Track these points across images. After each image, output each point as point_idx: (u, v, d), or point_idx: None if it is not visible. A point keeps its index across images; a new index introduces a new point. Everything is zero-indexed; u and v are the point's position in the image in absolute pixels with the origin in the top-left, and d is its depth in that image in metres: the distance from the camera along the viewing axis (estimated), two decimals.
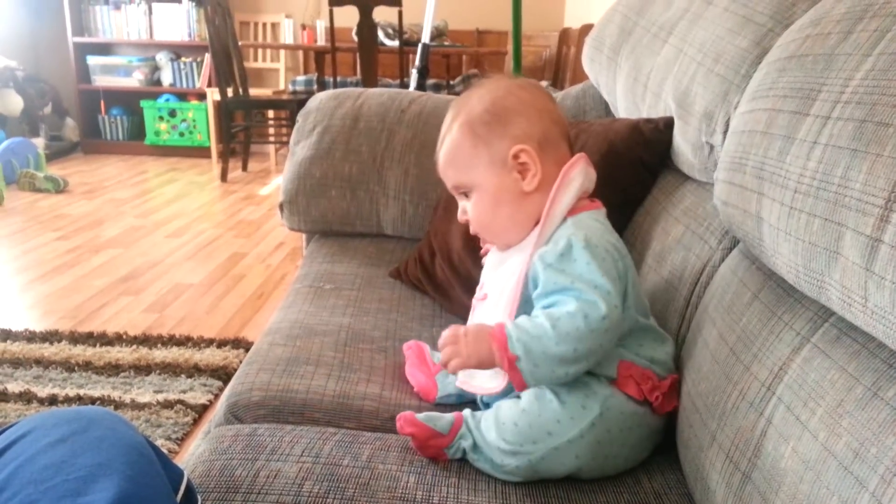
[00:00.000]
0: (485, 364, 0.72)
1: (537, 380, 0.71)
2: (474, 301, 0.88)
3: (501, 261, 0.83)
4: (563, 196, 0.77)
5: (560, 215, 0.77)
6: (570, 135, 0.84)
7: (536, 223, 0.78)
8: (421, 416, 0.76)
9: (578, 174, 0.78)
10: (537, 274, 0.74)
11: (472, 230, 0.84)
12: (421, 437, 0.75)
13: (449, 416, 0.76)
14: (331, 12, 3.56)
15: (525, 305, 0.76)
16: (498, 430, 0.72)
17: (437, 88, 4.09)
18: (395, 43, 3.84)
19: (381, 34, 3.88)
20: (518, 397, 0.74)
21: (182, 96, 4.89)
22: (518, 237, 0.81)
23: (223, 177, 4.20)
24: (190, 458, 0.79)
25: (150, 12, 4.79)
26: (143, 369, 1.80)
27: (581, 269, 0.71)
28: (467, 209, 0.83)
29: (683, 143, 1.00)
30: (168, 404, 1.63)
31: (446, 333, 0.74)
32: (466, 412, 0.77)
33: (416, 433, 0.75)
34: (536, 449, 0.71)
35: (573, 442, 0.71)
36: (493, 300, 0.82)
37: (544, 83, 4.34)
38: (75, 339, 1.97)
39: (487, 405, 0.80)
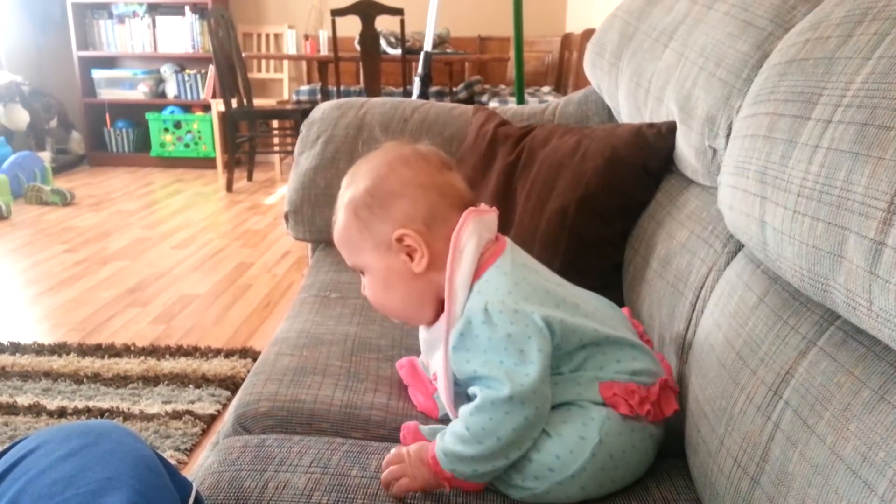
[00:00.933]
0: (431, 486, 0.71)
1: (487, 477, 0.70)
2: (433, 381, 0.85)
3: (432, 342, 0.79)
4: (458, 270, 0.73)
5: (463, 288, 0.73)
6: (467, 201, 0.79)
7: (442, 299, 0.74)
8: (425, 429, 0.75)
9: (469, 237, 0.74)
10: (451, 362, 0.72)
11: (377, 309, 0.83)
12: None
13: None
14: (333, 22, 3.58)
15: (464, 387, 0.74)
16: None
17: (440, 96, 4.11)
18: (398, 51, 3.86)
19: (383, 43, 3.89)
20: None
21: (187, 108, 4.92)
22: (421, 316, 0.79)
23: (229, 187, 4.22)
24: (199, 469, 0.79)
25: (154, 25, 4.83)
26: (151, 380, 1.81)
27: (484, 345, 0.69)
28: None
29: (686, 148, 1.00)
30: (176, 415, 1.63)
31: (391, 455, 0.72)
32: None
33: None
34: (539, 485, 0.70)
35: (576, 476, 0.69)
36: (440, 384, 0.79)
37: (546, 88, 4.35)
38: (84, 351, 1.97)
39: None
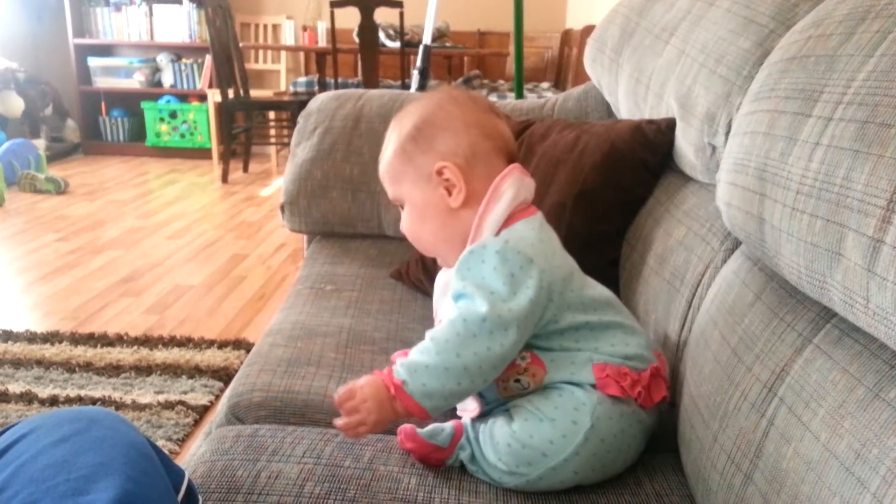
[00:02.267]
0: (385, 410, 0.69)
1: (433, 400, 0.68)
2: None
3: (448, 283, 0.80)
4: (492, 210, 0.75)
5: (491, 229, 0.75)
6: (510, 149, 0.81)
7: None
8: (421, 430, 0.75)
9: (510, 186, 0.76)
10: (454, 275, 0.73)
11: (411, 241, 0.85)
12: (421, 452, 0.75)
13: (449, 428, 0.76)
14: (332, 13, 3.56)
15: None
16: (494, 449, 0.71)
17: None
18: (397, 44, 3.84)
19: (382, 35, 3.88)
20: (507, 411, 0.74)
21: (183, 98, 4.90)
22: (449, 254, 0.80)
23: (224, 178, 4.20)
24: (191, 458, 0.79)
25: (151, 14, 4.80)
26: (143, 370, 1.80)
27: (485, 273, 0.70)
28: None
29: (685, 145, 1.00)
30: (169, 405, 1.63)
31: (342, 390, 0.70)
32: (466, 421, 0.77)
33: (417, 448, 0.75)
34: (532, 470, 0.70)
35: (569, 460, 0.70)
36: None
37: (545, 85, 4.34)
38: (76, 339, 1.97)
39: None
